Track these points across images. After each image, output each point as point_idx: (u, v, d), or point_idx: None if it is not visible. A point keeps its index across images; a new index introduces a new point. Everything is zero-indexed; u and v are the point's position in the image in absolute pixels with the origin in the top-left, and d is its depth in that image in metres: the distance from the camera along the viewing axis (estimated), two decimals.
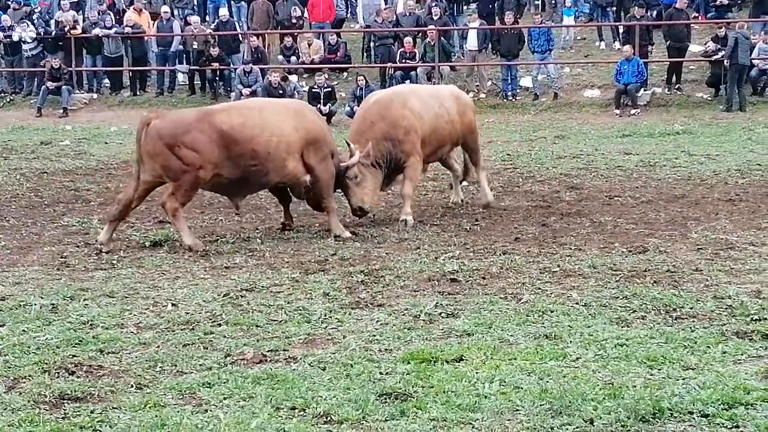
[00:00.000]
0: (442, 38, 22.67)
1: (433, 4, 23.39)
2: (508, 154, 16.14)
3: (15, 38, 24.09)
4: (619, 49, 22.59)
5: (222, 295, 7.63)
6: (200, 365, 5.97)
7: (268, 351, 6.21)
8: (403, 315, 7.00)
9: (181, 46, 23.87)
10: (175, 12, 25.34)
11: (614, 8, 24.55)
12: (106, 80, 24.42)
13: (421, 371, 5.72)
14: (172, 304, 7.39)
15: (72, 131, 20.56)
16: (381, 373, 5.73)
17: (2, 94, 24.53)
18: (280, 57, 23.82)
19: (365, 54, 24.29)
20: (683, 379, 5.52)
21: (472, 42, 22.85)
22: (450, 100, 11.24)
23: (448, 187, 12.28)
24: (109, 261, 9.00)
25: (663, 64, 22.31)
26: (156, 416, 5.14)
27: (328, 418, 5.10)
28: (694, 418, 4.98)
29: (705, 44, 21.86)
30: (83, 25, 24.45)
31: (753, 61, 20.67)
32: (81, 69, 24.15)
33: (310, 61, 23.37)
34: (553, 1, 26.40)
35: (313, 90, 21.20)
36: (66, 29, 23.84)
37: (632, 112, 20.67)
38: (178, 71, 23.93)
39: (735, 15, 23.66)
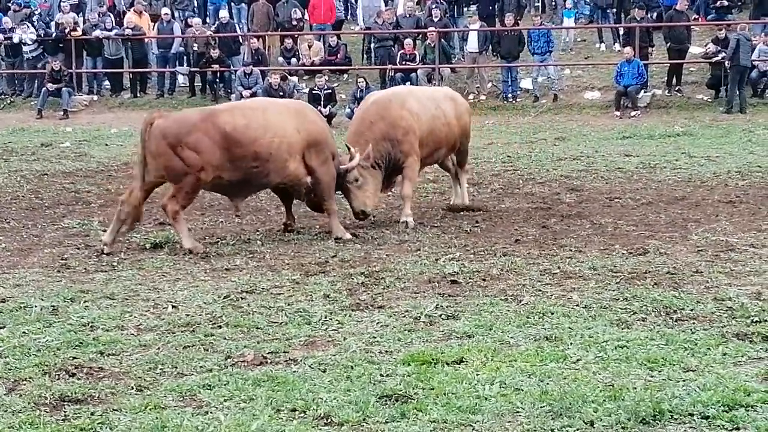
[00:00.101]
0: (442, 40, 22.69)
1: (434, 6, 23.40)
2: (508, 156, 16.14)
3: (15, 40, 24.09)
4: (619, 50, 22.60)
5: (222, 297, 7.63)
6: (201, 367, 5.97)
7: (268, 353, 6.21)
8: (404, 317, 7.00)
9: (181, 48, 23.89)
10: (176, 14, 25.35)
11: (614, 10, 24.55)
12: (107, 82, 24.42)
13: (422, 373, 5.72)
14: (173, 306, 7.39)
15: (72, 133, 20.56)
16: (381, 375, 5.73)
17: (2, 96, 24.53)
18: (281, 59, 23.83)
19: (365, 56, 24.29)
20: (684, 380, 5.52)
21: (472, 44, 22.86)
22: (446, 103, 11.26)
23: (449, 188, 12.28)
24: (110, 263, 8.99)
25: (663, 66, 22.32)
26: (156, 418, 5.14)
27: (329, 420, 5.10)
28: (694, 420, 4.98)
29: (705, 46, 21.86)
30: (83, 26, 24.46)
31: (753, 62, 20.67)
32: (81, 71, 24.15)
33: (311, 62, 23.38)
34: (554, 3, 26.43)
35: (314, 92, 21.21)
36: (66, 31, 23.84)
37: (632, 113, 20.68)
38: (178, 73, 23.94)
39: (735, 17, 23.67)
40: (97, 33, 23.80)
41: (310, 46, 23.63)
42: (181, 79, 24.10)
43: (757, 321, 6.63)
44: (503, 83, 22.62)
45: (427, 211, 11.49)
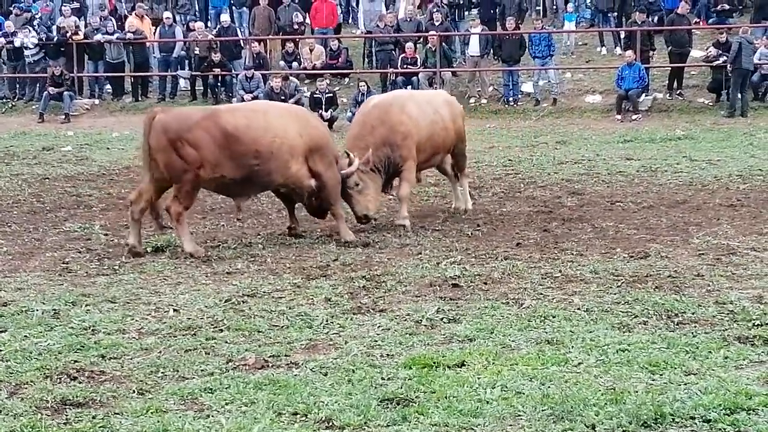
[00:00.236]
0: (443, 44, 22.68)
1: (435, 10, 23.42)
2: (509, 160, 16.14)
3: (17, 44, 24.09)
4: (620, 54, 22.59)
5: (224, 300, 7.63)
6: (202, 371, 5.97)
7: (269, 356, 6.22)
8: (405, 320, 7.00)
9: (183, 52, 23.90)
10: (177, 18, 25.37)
11: (615, 14, 24.53)
12: (108, 86, 24.42)
13: (423, 376, 5.72)
14: (174, 310, 7.40)
15: (74, 137, 20.56)
16: (383, 379, 5.73)
17: (4, 100, 24.53)
18: (282, 63, 23.83)
19: (366, 60, 24.30)
20: (685, 384, 5.52)
21: (473, 47, 22.89)
22: (444, 107, 11.30)
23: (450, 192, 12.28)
24: (111, 266, 9.00)
25: (664, 70, 22.32)
26: (158, 422, 5.14)
27: (330, 424, 5.10)
28: (696, 424, 4.99)
29: (706, 50, 21.85)
30: (85, 30, 24.47)
31: (755, 65, 20.66)
32: (83, 75, 24.17)
33: (312, 66, 23.40)
34: (555, 7, 26.45)
35: (315, 96, 21.22)
36: (68, 35, 23.84)
37: (633, 117, 20.67)
38: (179, 77, 23.96)
39: (736, 20, 23.68)
40: (98, 37, 23.81)
41: (311, 50, 23.65)
42: (183, 83, 24.12)
43: (758, 324, 6.62)
44: (504, 87, 22.62)
45: (428, 215, 11.48)
